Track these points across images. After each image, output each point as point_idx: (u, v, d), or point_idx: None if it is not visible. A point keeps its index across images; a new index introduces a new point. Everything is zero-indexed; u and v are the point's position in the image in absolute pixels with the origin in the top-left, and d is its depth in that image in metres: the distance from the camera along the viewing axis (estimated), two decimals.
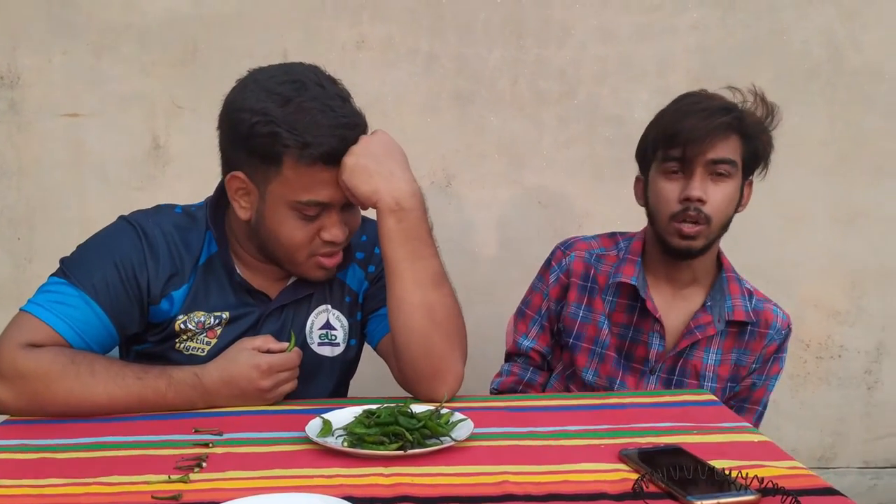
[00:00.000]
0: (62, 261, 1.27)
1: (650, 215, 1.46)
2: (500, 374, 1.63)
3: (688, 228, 1.36)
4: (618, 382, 1.50)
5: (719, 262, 1.51)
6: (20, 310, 1.23)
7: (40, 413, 1.18)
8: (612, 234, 1.58)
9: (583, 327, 1.52)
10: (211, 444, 1.07)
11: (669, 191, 1.38)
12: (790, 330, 1.50)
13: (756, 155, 1.41)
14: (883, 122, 2.30)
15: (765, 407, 1.53)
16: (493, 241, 2.32)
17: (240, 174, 1.23)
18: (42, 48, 2.16)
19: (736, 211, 1.44)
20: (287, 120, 1.17)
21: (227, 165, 1.25)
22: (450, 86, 2.23)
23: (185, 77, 2.18)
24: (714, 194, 1.36)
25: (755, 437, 1.11)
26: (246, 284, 1.31)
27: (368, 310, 1.39)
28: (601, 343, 1.50)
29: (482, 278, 2.25)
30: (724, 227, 1.42)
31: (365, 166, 1.19)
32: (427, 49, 2.21)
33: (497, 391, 1.61)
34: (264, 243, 1.27)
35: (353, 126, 1.22)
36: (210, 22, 2.17)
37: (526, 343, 1.59)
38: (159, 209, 1.35)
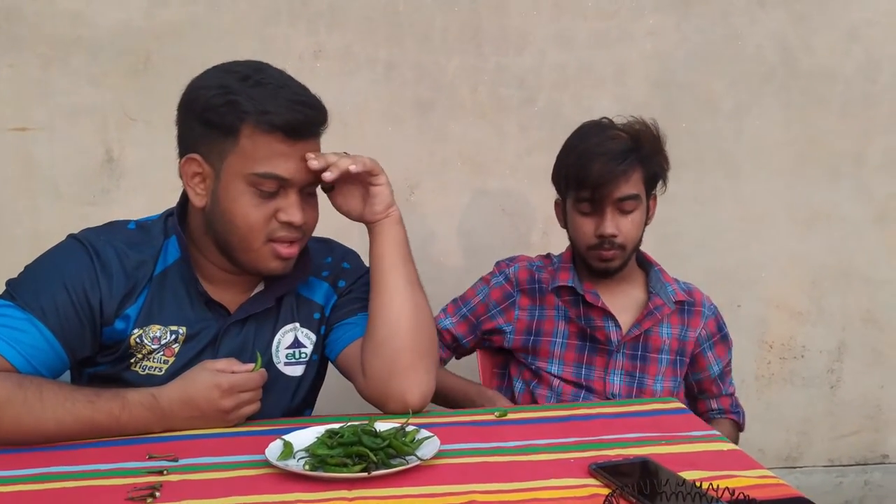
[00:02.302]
0: (8, 283, 1.22)
1: (571, 240, 1.62)
2: None
3: (605, 254, 1.55)
4: (584, 366, 1.60)
5: (642, 258, 1.70)
6: None
7: None
8: (547, 255, 1.74)
9: (539, 324, 1.62)
10: (166, 472, 1.03)
11: (585, 226, 1.56)
12: (716, 307, 1.71)
13: (655, 175, 1.58)
14: (837, 122, 2.34)
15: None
16: (457, 249, 2.30)
17: (195, 156, 1.21)
18: None
19: (646, 225, 1.61)
20: (245, 90, 1.17)
21: (184, 149, 1.23)
22: (410, 94, 2.21)
23: (138, 88, 2.13)
24: (624, 226, 1.54)
25: (724, 446, 1.11)
26: (206, 295, 1.27)
27: (334, 319, 1.36)
28: (561, 333, 1.61)
29: (446, 287, 2.21)
30: (638, 243, 1.60)
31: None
32: (386, 57, 2.19)
33: None
34: (218, 231, 1.23)
35: (312, 105, 1.21)
36: (163, 32, 2.12)
37: (445, 322, 1.68)
38: (112, 226, 1.30)
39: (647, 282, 1.65)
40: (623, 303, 1.61)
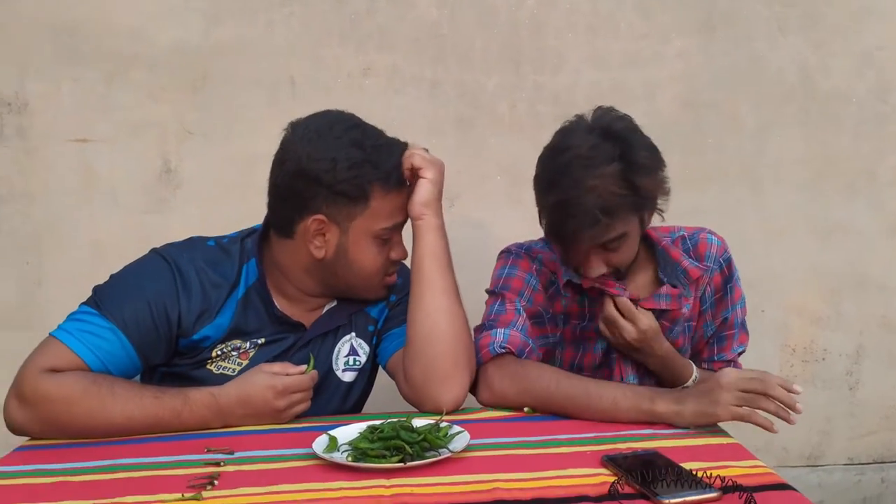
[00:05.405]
0: (95, 289, 1.32)
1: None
2: (490, 338, 1.40)
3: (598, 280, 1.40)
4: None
5: (646, 237, 1.49)
6: (49, 335, 1.27)
7: (61, 435, 1.22)
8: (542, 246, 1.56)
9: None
10: (223, 463, 1.11)
11: (566, 262, 1.44)
12: (729, 256, 1.50)
13: (643, 203, 1.35)
14: (852, 142, 2.39)
15: (742, 326, 1.52)
16: (496, 258, 2.38)
17: (320, 216, 1.31)
18: (50, 75, 2.14)
19: (644, 230, 1.43)
20: (369, 158, 1.29)
21: (302, 210, 1.31)
22: (452, 111, 2.27)
23: (196, 103, 2.19)
24: (613, 259, 1.38)
25: (724, 440, 1.20)
26: (284, 317, 1.37)
27: (384, 330, 1.47)
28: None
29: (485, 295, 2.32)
30: (635, 256, 1.43)
31: (441, 185, 1.36)
32: (430, 76, 2.25)
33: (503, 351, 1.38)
34: (338, 276, 1.35)
35: (405, 149, 1.35)
36: (219, 50, 2.18)
37: (516, 317, 1.44)
38: (192, 243, 1.39)
39: (657, 265, 1.49)
40: (634, 286, 1.48)
